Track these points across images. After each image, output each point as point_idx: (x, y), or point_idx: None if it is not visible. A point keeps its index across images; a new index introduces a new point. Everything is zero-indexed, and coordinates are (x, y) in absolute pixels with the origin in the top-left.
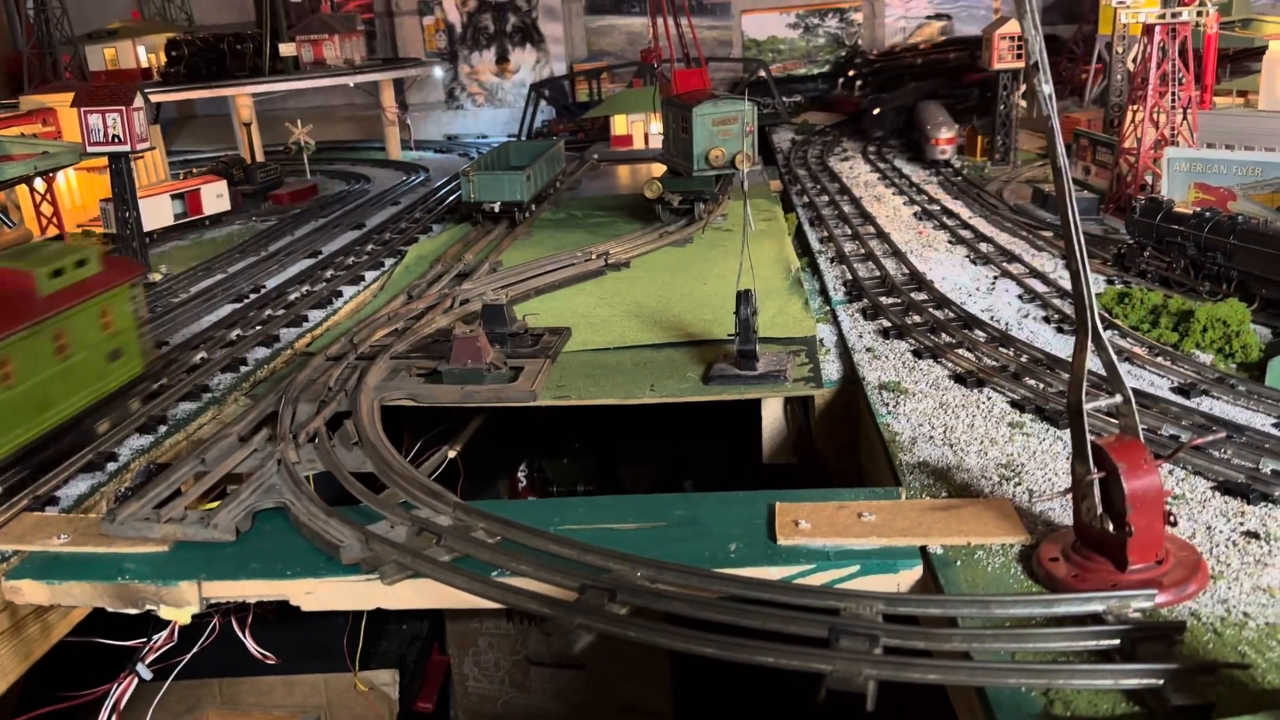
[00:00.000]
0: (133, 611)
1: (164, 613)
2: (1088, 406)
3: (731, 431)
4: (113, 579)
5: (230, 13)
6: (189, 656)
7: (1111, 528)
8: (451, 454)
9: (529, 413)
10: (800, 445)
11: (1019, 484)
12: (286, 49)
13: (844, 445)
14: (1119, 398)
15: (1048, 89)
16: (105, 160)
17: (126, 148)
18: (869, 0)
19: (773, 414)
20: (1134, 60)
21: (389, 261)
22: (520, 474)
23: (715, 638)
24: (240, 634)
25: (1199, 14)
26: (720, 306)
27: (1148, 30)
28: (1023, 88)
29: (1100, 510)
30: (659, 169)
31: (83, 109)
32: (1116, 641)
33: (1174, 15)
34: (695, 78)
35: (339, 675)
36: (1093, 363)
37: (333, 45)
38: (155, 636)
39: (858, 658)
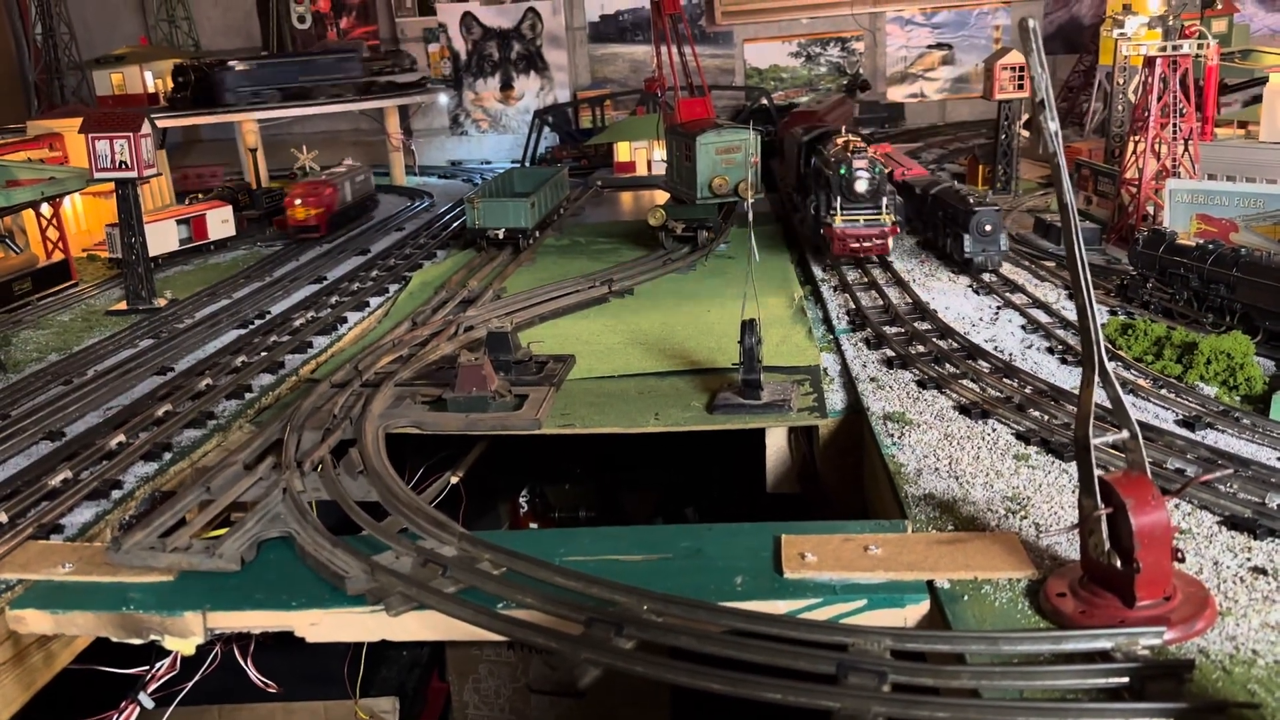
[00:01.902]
0: (137, 642)
1: (168, 643)
2: (1094, 441)
3: (735, 459)
4: (117, 609)
5: (236, 39)
6: (190, 684)
7: (1119, 563)
8: (454, 480)
9: (531, 438)
10: (804, 475)
11: (1025, 517)
12: None
13: (848, 475)
14: (1126, 433)
15: (1054, 126)
16: (111, 185)
17: (133, 174)
18: (870, 30)
19: (777, 443)
20: (1135, 91)
21: (393, 288)
22: (521, 499)
23: (722, 673)
24: (242, 663)
25: (1200, 46)
26: (724, 334)
27: (1149, 62)
28: (1024, 118)
29: (1108, 546)
30: (662, 196)
31: (90, 135)
32: (1126, 679)
33: (1175, 47)
34: (699, 106)
35: (339, 703)
36: (1098, 396)
37: None
38: (158, 665)
39: (866, 695)
